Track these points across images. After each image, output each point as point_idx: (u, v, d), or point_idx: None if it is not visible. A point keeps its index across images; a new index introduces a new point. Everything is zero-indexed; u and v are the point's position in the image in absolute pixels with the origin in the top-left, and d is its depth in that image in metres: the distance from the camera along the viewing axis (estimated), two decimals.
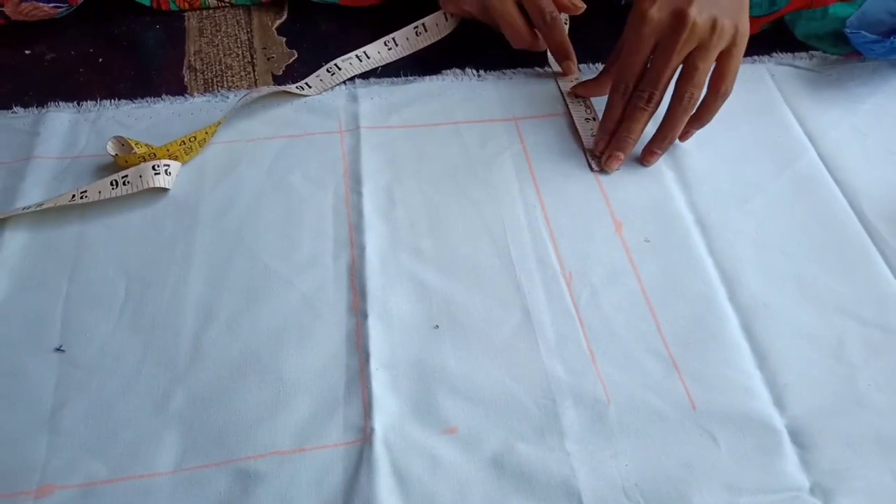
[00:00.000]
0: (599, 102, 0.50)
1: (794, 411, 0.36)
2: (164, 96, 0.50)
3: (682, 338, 0.39)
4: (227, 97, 0.51)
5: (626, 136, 0.46)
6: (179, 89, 0.51)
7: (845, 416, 0.36)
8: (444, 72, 0.53)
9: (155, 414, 0.35)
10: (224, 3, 0.58)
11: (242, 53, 0.54)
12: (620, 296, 0.41)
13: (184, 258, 0.41)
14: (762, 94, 0.53)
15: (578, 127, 0.49)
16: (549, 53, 0.54)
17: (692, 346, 0.39)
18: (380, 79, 0.52)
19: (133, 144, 0.45)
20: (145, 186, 0.43)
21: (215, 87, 0.52)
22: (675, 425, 0.36)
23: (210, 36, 0.56)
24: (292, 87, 0.50)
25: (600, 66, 0.53)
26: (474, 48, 0.55)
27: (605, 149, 0.47)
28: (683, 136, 0.48)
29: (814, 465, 0.35)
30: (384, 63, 0.53)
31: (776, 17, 0.56)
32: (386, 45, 0.53)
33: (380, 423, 0.35)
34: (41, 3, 0.53)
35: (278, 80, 0.52)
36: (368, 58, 0.52)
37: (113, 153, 0.45)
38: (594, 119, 0.50)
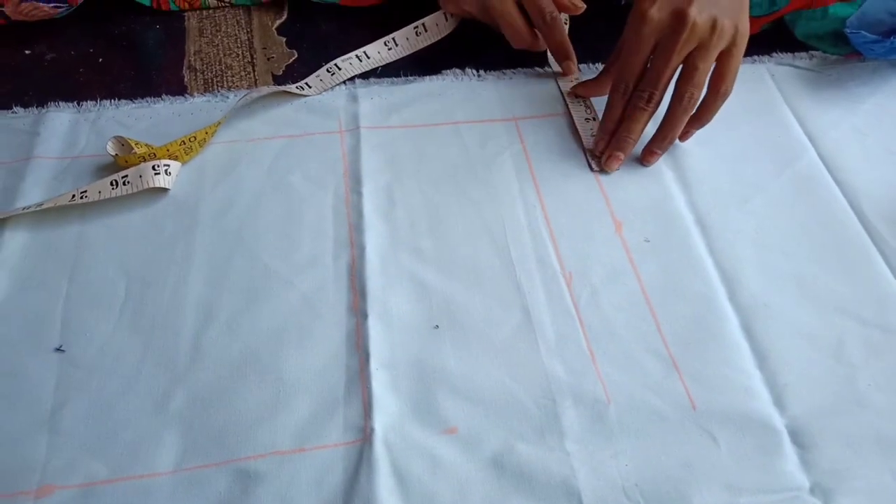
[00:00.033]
0: (599, 102, 0.50)
1: (794, 411, 0.36)
2: (164, 96, 0.50)
3: (682, 338, 0.39)
4: (227, 97, 0.51)
5: (626, 136, 0.46)
6: (179, 89, 0.51)
7: (845, 416, 0.36)
8: (444, 72, 0.53)
9: (155, 414, 0.35)
10: (224, 3, 0.58)
11: (242, 53, 0.54)
12: (620, 296, 0.41)
13: (184, 258, 0.41)
14: (762, 94, 0.53)
15: (578, 127, 0.49)
16: (549, 53, 0.54)
17: (692, 346, 0.39)
18: (380, 79, 0.52)
19: (133, 144, 0.45)
20: (145, 186, 0.43)
21: (215, 87, 0.52)
22: (675, 425, 0.36)
23: (210, 36, 0.56)
24: (292, 88, 0.50)
25: (600, 66, 0.53)
26: (474, 48, 0.55)
27: (605, 149, 0.47)
28: (683, 136, 0.48)
29: (814, 465, 0.35)
30: (384, 63, 0.53)
31: (776, 17, 0.56)
32: (386, 45, 0.53)
33: (380, 423, 0.35)
34: (41, 3, 0.53)
35: (278, 80, 0.52)
36: (368, 58, 0.52)
37: (113, 153, 0.45)
38: (594, 119, 0.50)
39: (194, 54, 0.54)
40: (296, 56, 0.54)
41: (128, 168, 0.44)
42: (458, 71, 0.53)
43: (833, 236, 0.44)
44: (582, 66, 0.53)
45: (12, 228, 0.42)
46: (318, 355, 0.38)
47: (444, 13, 0.54)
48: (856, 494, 0.34)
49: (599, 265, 0.42)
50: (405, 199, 0.45)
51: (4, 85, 0.51)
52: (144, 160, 0.44)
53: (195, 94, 0.51)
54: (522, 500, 0.33)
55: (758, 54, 0.55)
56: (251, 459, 0.34)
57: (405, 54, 0.53)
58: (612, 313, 0.40)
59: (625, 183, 0.47)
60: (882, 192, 0.46)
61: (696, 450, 0.35)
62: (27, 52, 0.53)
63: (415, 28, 0.53)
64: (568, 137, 0.49)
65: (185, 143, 0.45)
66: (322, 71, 0.51)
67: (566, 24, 0.52)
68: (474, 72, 0.53)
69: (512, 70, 0.53)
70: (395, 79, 0.52)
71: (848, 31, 0.52)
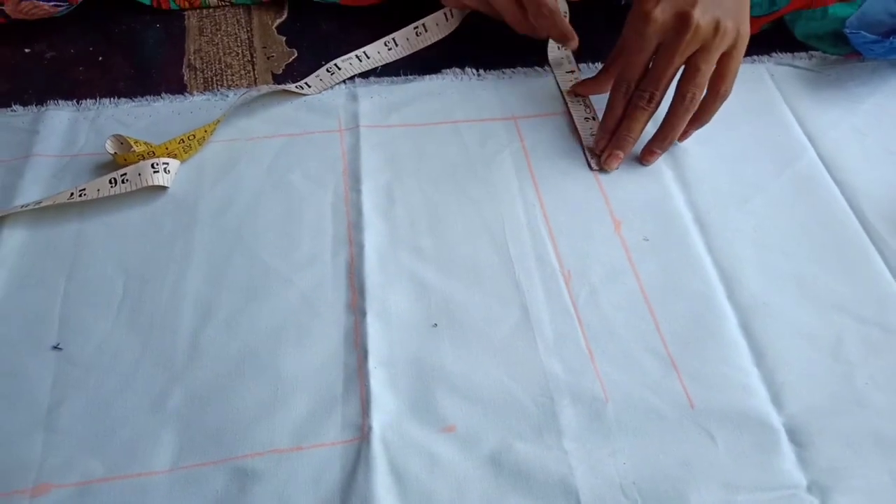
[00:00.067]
0: (599, 102, 0.50)
1: (792, 409, 0.36)
2: (163, 95, 0.50)
3: (680, 336, 0.39)
4: (227, 96, 0.51)
5: (627, 135, 0.46)
6: (179, 88, 0.51)
7: (843, 415, 0.36)
8: (443, 71, 0.53)
9: (152, 412, 0.35)
10: (224, 1, 0.58)
11: (242, 52, 0.54)
12: (619, 295, 0.41)
13: (183, 256, 0.41)
14: (762, 93, 0.53)
15: (578, 126, 0.49)
16: (549, 52, 0.54)
17: (691, 344, 0.39)
18: (379, 78, 0.52)
19: (132, 143, 0.45)
20: (144, 185, 0.43)
21: (215, 85, 0.52)
22: (673, 424, 0.36)
23: (210, 35, 0.56)
24: (292, 87, 0.50)
25: (599, 66, 0.53)
26: (474, 47, 0.55)
27: (605, 147, 0.47)
28: (682, 137, 0.48)
29: (811, 464, 0.35)
30: (384, 63, 0.53)
31: (776, 17, 0.56)
32: (386, 45, 0.53)
33: (378, 421, 0.35)
34: (41, 2, 0.53)
35: (278, 79, 0.52)
36: (368, 58, 0.52)
37: (112, 151, 0.45)
38: (594, 118, 0.50)
39: (194, 53, 0.54)
40: (296, 55, 0.54)
41: (127, 166, 0.44)
42: (457, 70, 0.53)
43: (832, 236, 0.44)
44: (582, 65, 0.53)
45: (11, 226, 0.42)
46: (317, 353, 0.38)
47: (445, 13, 0.54)
48: (853, 493, 0.34)
49: (598, 264, 0.42)
50: (404, 197, 0.45)
51: (4, 83, 0.51)
52: (143, 158, 0.44)
53: (195, 92, 0.51)
54: (520, 498, 0.33)
55: (757, 54, 0.55)
56: (249, 458, 0.34)
57: (405, 54, 0.53)
58: (610, 312, 0.40)
59: (624, 182, 0.47)
60: (881, 192, 0.46)
61: (694, 448, 0.35)
62: (27, 50, 0.53)
63: (415, 28, 0.53)
64: (567, 137, 0.49)
65: (184, 142, 0.46)
66: (322, 71, 0.51)
67: (566, 14, 0.52)
68: (474, 71, 0.53)
69: (511, 69, 0.53)
70: (394, 78, 0.52)
71: (847, 31, 0.52)
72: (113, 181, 0.43)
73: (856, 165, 0.48)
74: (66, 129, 0.48)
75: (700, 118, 0.46)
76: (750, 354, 0.38)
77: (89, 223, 0.43)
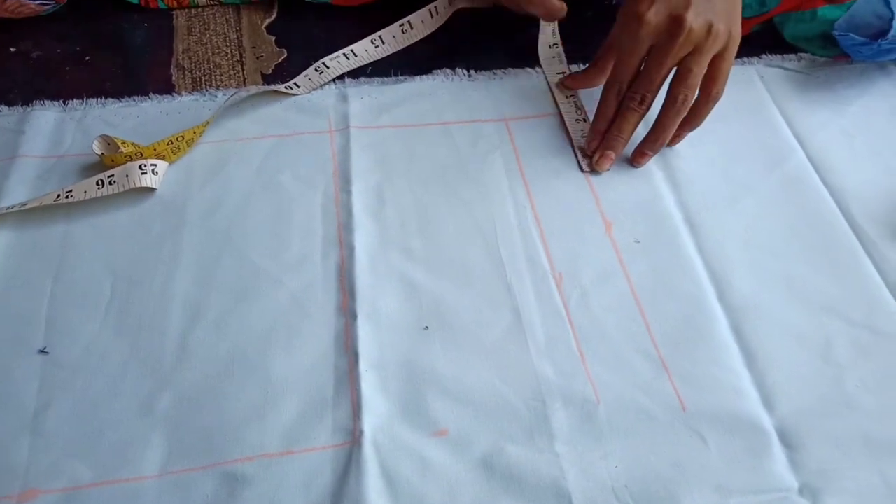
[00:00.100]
0: (590, 104, 0.50)
1: (783, 411, 0.37)
2: (151, 95, 0.50)
3: (671, 338, 0.39)
4: (216, 96, 0.50)
5: (618, 136, 0.46)
6: (167, 88, 0.51)
7: (833, 417, 0.36)
8: (434, 72, 0.53)
9: (141, 415, 0.35)
10: (213, 1, 0.57)
11: (231, 52, 0.54)
12: (610, 296, 0.41)
13: (171, 257, 0.41)
14: (751, 95, 0.53)
15: (569, 127, 0.49)
16: (540, 51, 0.54)
17: (681, 346, 0.39)
18: (370, 78, 0.52)
19: (119, 143, 0.45)
20: (132, 186, 0.43)
21: (203, 85, 0.51)
22: (664, 426, 0.36)
23: (199, 34, 0.55)
24: (281, 87, 0.50)
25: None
26: (465, 48, 0.54)
27: (596, 148, 0.47)
28: (675, 140, 0.48)
29: (802, 466, 0.35)
30: (372, 60, 0.53)
31: (766, 19, 0.56)
32: (373, 42, 0.53)
33: (369, 424, 0.35)
34: (27, 1, 0.52)
35: (268, 80, 0.52)
36: (356, 56, 0.52)
37: (99, 152, 0.44)
38: (585, 120, 0.50)
39: (182, 53, 0.54)
40: (285, 55, 0.54)
41: (114, 167, 0.44)
42: (448, 71, 0.53)
43: (821, 237, 0.44)
44: (572, 66, 0.53)
45: None
46: (307, 355, 0.37)
47: (430, 9, 0.54)
48: (844, 495, 0.34)
49: (589, 266, 0.42)
50: (395, 198, 0.45)
51: None
52: (131, 159, 0.44)
53: (183, 92, 0.50)
54: (512, 501, 0.33)
55: (747, 56, 0.55)
56: (238, 462, 0.34)
57: (392, 51, 0.53)
58: (601, 314, 0.40)
59: (615, 183, 0.47)
60: (869, 194, 0.47)
61: (685, 451, 0.35)
62: (12, 49, 0.53)
63: (401, 26, 0.53)
64: (558, 138, 0.49)
65: (172, 143, 0.45)
66: (310, 70, 0.51)
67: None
68: (465, 72, 0.53)
69: (503, 70, 0.53)
70: (385, 78, 0.52)
71: (836, 33, 0.52)
72: (100, 182, 0.43)
73: (844, 167, 0.48)
74: (53, 130, 0.47)
75: (692, 120, 0.46)
76: (741, 356, 0.39)
77: (76, 224, 0.42)
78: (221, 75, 0.52)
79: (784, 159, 0.49)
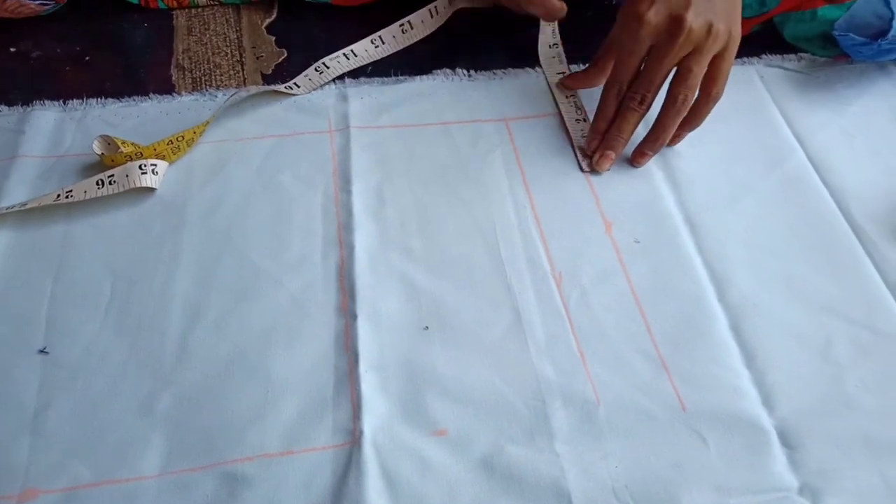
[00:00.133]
0: (590, 104, 0.50)
1: (783, 411, 0.37)
2: (151, 95, 0.50)
3: (671, 338, 0.39)
4: (216, 96, 0.50)
5: (618, 136, 0.46)
6: (167, 88, 0.51)
7: (833, 417, 0.36)
8: (434, 72, 0.53)
9: (141, 415, 0.35)
10: (213, 1, 0.57)
11: (231, 52, 0.54)
12: (610, 296, 0.41)
13: (171, 257, 0.41)
14: (751, 95, 0.53)
15: (569, 127, 0.49)
16: (539, 52, 0.54)
17: (681, 346, 0.39)
18: (370, 78, 0.52)
19: (119, 143, 0.45)
20: (132, 186, 0.43)
21: (203, 85, 0.51)
22: (664, 426, 0.36)
23: (199, 34, 0.55)
24: (281, 87, 0.50)
25: None
26: (465, 48, 0.54)
27: (596, 148, 0.47)
28: (675, 140, 0.48)
29: (802, 466, 0.35)
30: (372, 60, 0.53)
31: (766, 19, 0.56)
32: (372, 42, 0.53)
33: (369, 425, 0.35)
34: (27, 1, 0.52)
35: (268, 80, 0.52)
36: (356, 56, 0.52)
37: (99, 152, 0.45)
38: (584, 120, 0.50)
39: (182, 53, 0.54)
40: (285, 55, 0.54)
41: (114, 167, 0.44)
42: (448, 71, 0.53)
43: (821, 237, 0.44)
44: (572, 66, 0.53)
45: None
46: (307, 356, 0.37)
47: (430, 9, 0.54)
48: (844, 495, 0.34)
49: (589, 265, 0.42)
50: (395, 198, 0.45)
51: None
52: (131, 159, 0.44)
53: (183, 92, 0.50)
54: (512, 501, 0.33)
55: (747, 56, 0.55)
56: (238, 462, 0.34)
57: (392, 51, 0.53)
58: (601, 314, 0.40)
59: (615, 183, 0.47)
60: (869, 194, 0.47)
61: (685, 450, 0.35)
62: (12, 49, 0.53)
63: (401, 26, 0.53)
64: (558, 138, 0.49)
65: (172, 143, 0.45)
66: (310, 70, 0.51)
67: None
68: (465, 72, 0.53)
69: (503, 71, 0.53)
70: (385, 78, 0.52)
71: (836, 33, 0.52)
72: (100, 182, 0.43)
73: (844, 167, 0.48)
74: (53, 130, 0.47)
75: (692, 120, 0.46)
76: (741, 355, 0.39)
77: (76, 224, 0.42)
78: (221, 75, 0.52)
79: (784, 159, 0.49)
